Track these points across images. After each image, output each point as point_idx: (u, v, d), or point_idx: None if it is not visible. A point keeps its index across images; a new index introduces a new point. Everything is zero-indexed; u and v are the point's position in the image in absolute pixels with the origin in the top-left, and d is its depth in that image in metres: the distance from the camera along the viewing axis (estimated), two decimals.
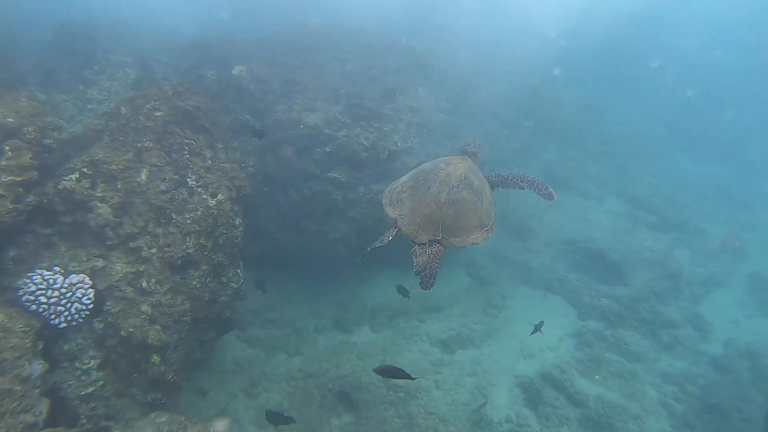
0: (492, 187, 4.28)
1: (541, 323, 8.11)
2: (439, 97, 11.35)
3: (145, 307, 5.34)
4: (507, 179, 4.35)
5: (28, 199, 5.19)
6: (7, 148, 5.10)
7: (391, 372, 5.28)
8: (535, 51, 17.25)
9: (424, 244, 3.69)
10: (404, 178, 4.15)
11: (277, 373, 8.57)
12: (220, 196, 6.22)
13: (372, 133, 9.10)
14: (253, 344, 9.18)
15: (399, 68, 11.29)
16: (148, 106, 6.29)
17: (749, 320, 12.04)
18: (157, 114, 6.25)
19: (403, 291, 7.59)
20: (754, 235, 16.28)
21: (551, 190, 4.27)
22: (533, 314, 10.79)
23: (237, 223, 6.53)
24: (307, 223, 9.24)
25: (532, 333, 8.10)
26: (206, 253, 5.94)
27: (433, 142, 10.33)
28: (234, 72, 9.66)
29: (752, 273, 13.46)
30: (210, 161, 6.53)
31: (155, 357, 5.39)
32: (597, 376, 9.27)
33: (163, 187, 5.80)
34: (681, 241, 14.41)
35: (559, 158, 17.13)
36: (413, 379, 5.13)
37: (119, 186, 5.60)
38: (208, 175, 6.27)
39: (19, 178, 5.07)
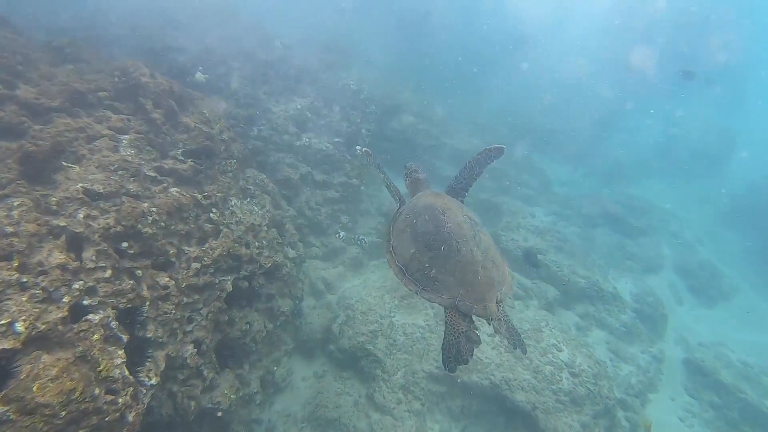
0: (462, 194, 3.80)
1: None
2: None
3: None
4: (464, 180, 3.77)
5: None
6: None
7: None
8: None
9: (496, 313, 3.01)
10: (407, 248, 3.14)
11: None
12: None
13: None
14: None
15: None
16: None
17: None
18: None
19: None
20: (659, 280, 13.34)
21: (494, 147, 3.57)
22: None
23: None
24: None
25: None
26: None
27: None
28: None
29: (686, 359, 9.98)
30: None
31: None
32: None
33: None
34: (590, 317, 10.49)
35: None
36: None
37: None
38: None
39: None
